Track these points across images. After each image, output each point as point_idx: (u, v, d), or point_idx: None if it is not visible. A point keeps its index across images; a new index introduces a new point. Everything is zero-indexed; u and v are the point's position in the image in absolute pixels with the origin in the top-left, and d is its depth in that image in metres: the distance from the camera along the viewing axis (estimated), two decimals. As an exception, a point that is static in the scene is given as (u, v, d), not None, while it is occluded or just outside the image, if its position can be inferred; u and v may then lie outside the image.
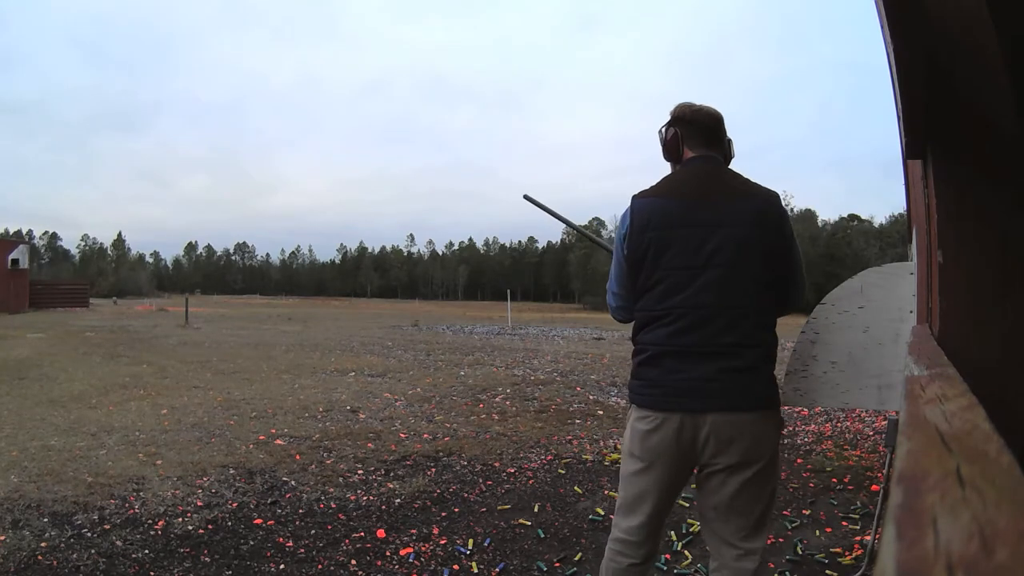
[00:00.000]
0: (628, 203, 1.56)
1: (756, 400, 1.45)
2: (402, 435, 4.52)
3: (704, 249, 1.45)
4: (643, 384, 1.51)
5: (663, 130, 1.64)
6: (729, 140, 1.67)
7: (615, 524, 1.60)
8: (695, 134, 1.59)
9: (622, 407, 5.78)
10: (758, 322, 1.47)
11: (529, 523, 2.89)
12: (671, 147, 1.62)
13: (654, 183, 1.60)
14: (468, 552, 2.56)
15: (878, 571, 0.31)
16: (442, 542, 2.67)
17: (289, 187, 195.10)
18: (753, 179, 1.57)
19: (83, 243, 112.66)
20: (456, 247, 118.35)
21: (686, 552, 2.54)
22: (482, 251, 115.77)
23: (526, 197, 2.22)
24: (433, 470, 3.70)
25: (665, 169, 1.68)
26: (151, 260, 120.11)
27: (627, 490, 1.57)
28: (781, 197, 1.54)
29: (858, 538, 2.71)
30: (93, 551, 2.47)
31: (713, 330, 1.43)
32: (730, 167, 1.63)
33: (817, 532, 2.79)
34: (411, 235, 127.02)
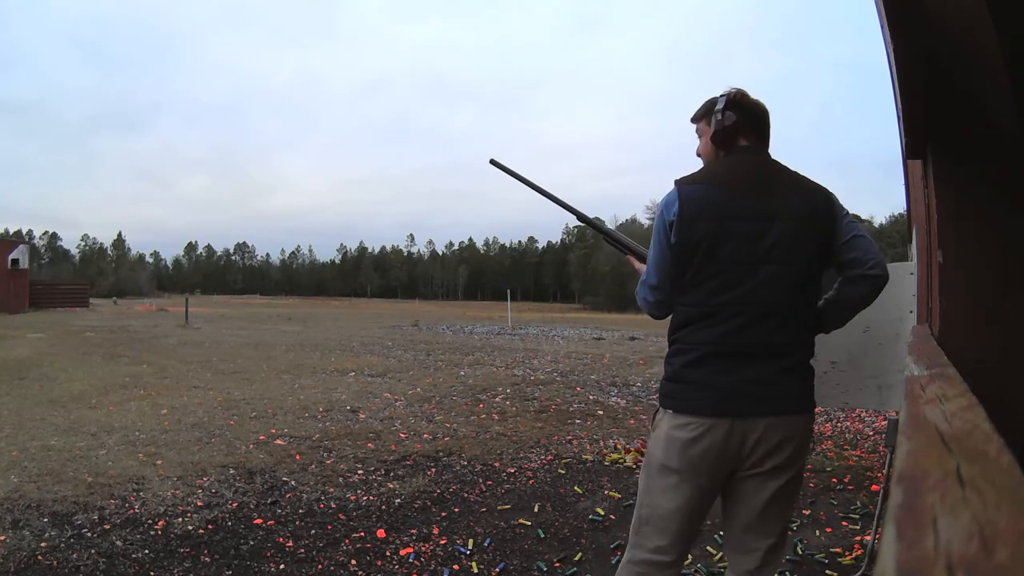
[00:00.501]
0: (672, 189, 1.44)
1: (806, 402, 1.42)
2: (402, 435, 4.52)
3: (762, 243, 1.37)
4: (687, 387, 1.39)
5: (721, 112, 1.48)
6: None
7: (637, 544, 1.47)
8: (753, 124, 1.49)
9: (622, 407, 5.78)
10: (806, 321, 1.43)
11: (529, 523, 2.89)
12: (729, 132, 1.48)
13: (698, 170, 1.51)
14: (468, 552, 2.56)
15: (878, 571, 0.31)
16: (442, 542, 2.67)
17: (289, 187, 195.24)
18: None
19: (83, 243, 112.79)
20: (456, 247, 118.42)
21: (687, 553, 2.54)
22: (482, 251, 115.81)
23: (492, 162, 2.04)
24: (433, 470, 3.69)
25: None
26: (151, 260, 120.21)
27: (656, 506, 1.44)
28: (835, 195, 1.47)
29: (858, 538, 2.71)
30: (93, 551, 2.47)
31: (768, 329, 1.36)
32: (781, 162, 1.54)
33: (817, 532, 2.79)
34: (411, 235, 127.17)
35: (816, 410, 1.49)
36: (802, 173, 1.50)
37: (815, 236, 1.41)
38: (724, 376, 1.36)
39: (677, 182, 1.47)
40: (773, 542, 1.44)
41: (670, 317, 1.50)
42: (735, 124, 1.48)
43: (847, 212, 1.46)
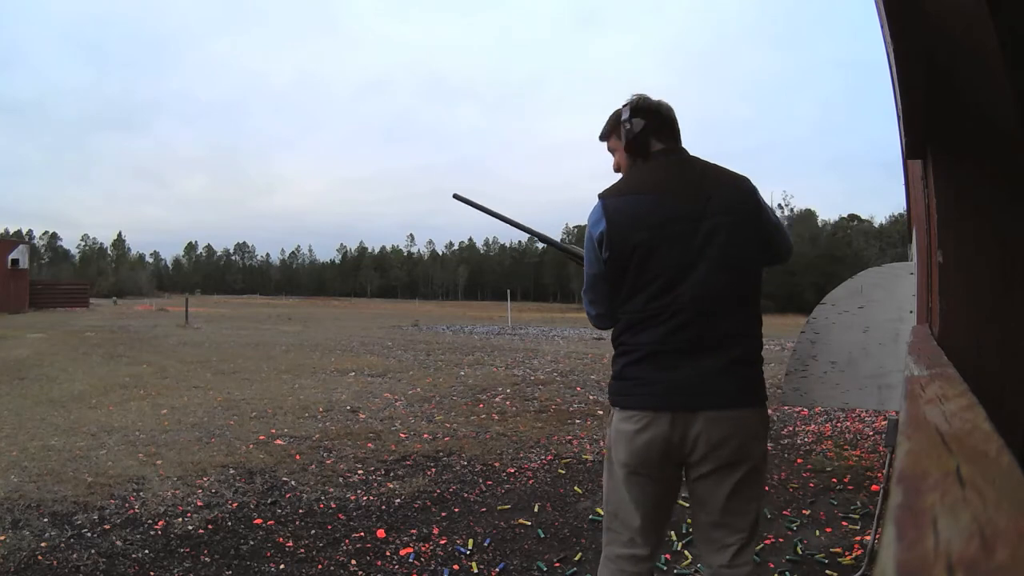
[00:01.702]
0: (597, 204, 1.46)
1: (751, 395, 1.41)
2: (402, 435, 4.52)
3: (694, 243, 1.39)
4: (630, 384, 1.43)
5: (629, 121, 1.50)
6: None
7: (610, 540, 1.51)
8: (662, 125, 1.51)
9: (622, 407, 5.78)
10: (748, 313, 1.44)
11: (529, 523, 2.89)
12: (641, 138, 1.50)
13: (619, 180, 1.53)
14: (468, 552, 2.56)
15: (878, 571, 0.31)
16: (442, 542, 2.67)
17: (289, 187, 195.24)
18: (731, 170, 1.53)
19: (83, 243, 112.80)
20: (456, 247, 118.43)
21: (686, 552, 2.54)
22: (482, 251, 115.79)
23: (456, 196, 2.08)
24: (433, 470, 3.69)
25: None
26: (151, 260, 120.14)
27: (619, 501, 1.48)
28: (752, 180, 1.50)
29: (858, 538, 2.71)
30: (93, 551, 2.47)
31: (707, 325, 1.38)
32: (698, 157, 1.56)
33: (817, 532, 2.79)
34: (411, 235, 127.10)
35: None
36: (720, 164, 1.52)
37: (745, 227, 1.43)
38: (664, 372, 1.39)
39: (601, 196, 1.49)
40: (742, 536, 1.43)
41: None
42: (645, 128, 1.50)
43: (767, 206, 1.51)
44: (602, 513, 1.59)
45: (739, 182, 1.47)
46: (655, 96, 1.56)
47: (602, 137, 1.61)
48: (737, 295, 1.42)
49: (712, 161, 1.53)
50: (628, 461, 1.43)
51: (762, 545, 2.60)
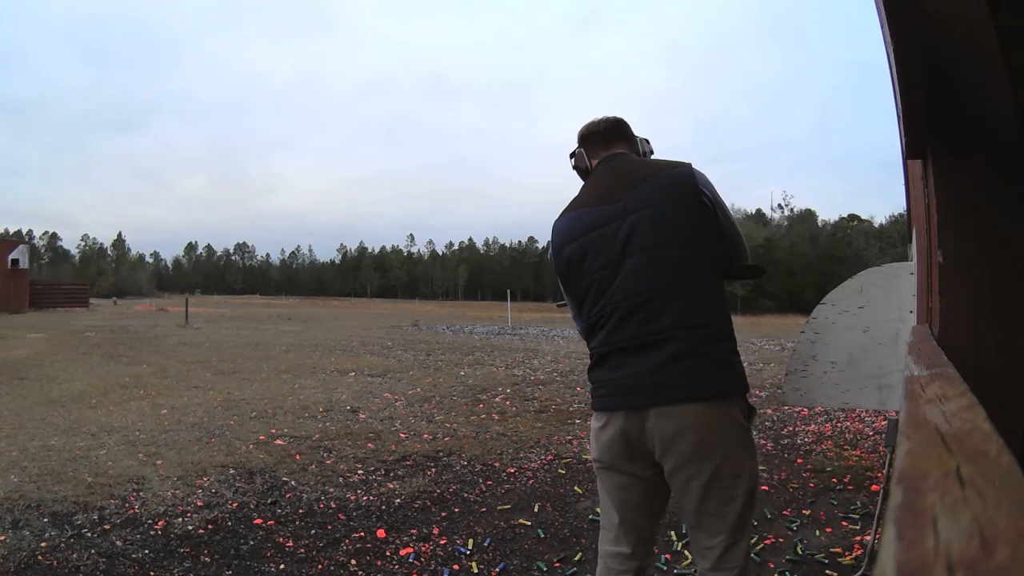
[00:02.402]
0: None
1: (699, 389, 1.33)
2: (402, 435, 4.52)
3: (617, 241, 1.41)
4: (593, 387, 1.49)
5: (572, 155, 1.65)
6: (642, 139, 1.65)
7: (600, 539, 1.56)
8: (593, 143, 1.60)
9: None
10: (694, 300, 1.37)
11: (529, 523, 2.89)
12: (580, 167, 1.63)
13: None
14: (468, 552, 2.56)
15: (878, 571, 0.31)
16: (442, 542, 2.67)
17: (289, 187, 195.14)
18: (669, 163, 1.50)
19: (83, 243, 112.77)
20: (456, 247, 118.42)
21: (686, 552, 2.54)
22: (482, 251, 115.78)
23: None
24: (433, 470, 3.69)
25: None
26: (151, 260, 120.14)
27: (601, 501, 1.53)
28: (693, 165, 1.46)
29: (858, 538, 2.71)
30: (93, 551, 2.47)
31: (643, 319, 1.36)
32: (639, 157, 1.60)
33: (817, 532, 2.79)
34: (411, 235, 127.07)
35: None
36: (663, 158, 1.53)
37: (671, 215, 1.39)
38: (614, 372, 1.41)
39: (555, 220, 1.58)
40: (723, 539, 1.36)
41: None
42: (580, 157, 1.62)
43: (709, 186, 1.44)
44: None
45: (670, 171, 1.44)
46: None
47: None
48: (673, 286, 1.37)
49: (662, 158, 1.56)
50: (598, 457, 1.48)
51: (762, 545, 2.60)
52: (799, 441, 4.51)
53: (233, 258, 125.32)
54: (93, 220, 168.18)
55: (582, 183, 1.62)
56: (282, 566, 2.40)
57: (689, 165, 1.46)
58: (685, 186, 1.41)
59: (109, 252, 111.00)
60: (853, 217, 74.88)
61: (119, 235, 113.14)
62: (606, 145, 1.59)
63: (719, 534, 1.37)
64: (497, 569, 2.42)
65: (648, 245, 1.38)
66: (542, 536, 2.74)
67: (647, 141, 1.67)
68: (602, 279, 1.42)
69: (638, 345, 1.37)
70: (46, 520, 2.77)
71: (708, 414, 1.33)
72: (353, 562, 2.45)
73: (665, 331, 1.35)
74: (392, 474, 3.61)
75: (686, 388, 1.33)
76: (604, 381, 1.44)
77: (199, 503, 3.04)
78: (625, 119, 1.64)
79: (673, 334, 1.34)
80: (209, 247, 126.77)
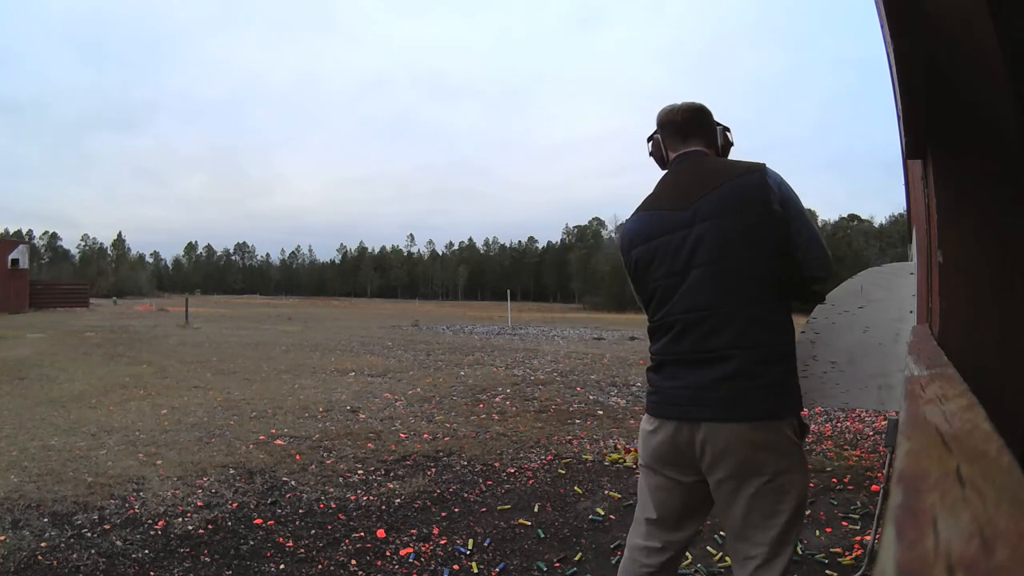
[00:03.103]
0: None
1: (751, 409, 1.32)
2: (402, 435, 4.52)
3: (683, 251, 1.40)
4: (649, 391, 1.51)
5: (648, 140, 1.63)
6: (723, 128, 1.58)
7: (630, 532, 1.58)
8: (671, 134, 1.56)
9: (622, 407, 5.78)
10: (753, 319, 1.35)
11: (529, 523, 2.89)
12: (656, 156, 1.61)
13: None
14: (468, 552, 2.56)
15: (878, 571, 0.31)
16: (442, 542, 2.67)
17: (288, 186, 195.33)
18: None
19: (83, 243, 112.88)
20: (456, 247, 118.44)
21: (686, 552, 2.54)
22: (482, 251, 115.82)
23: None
24: (433, 470, 3.69)
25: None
26: (151, 260, 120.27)
27: (639, 494, 1.56)
28: (767, 167, 1.40)
29: (858, 538, 2.71)
30: (93, 551, 2.47)
31: (702, 334, 1.36)
32: (715, 156, 1.55)
33: (817, 532, 2.79)
34: (411, 235, 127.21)
35: (803, 410, 1.44)
36: (739, 160, 1.48)
37: (739, 228, 1.36)
38: (670, 381, 1.43)
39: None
40: (763, 551, 1.37)
41: None
42: (657, 145, 1.59)
43: (783, 195, 1.38)
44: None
45: (742, 179, 1.39)
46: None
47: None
48: (735, 303, 1.35)
49: (730, 159, 1.54)
50: (646, 461, 1.51)
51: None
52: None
53: (233, 258, 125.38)
54: (93, 220, 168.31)
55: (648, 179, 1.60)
56: (282, 566, 2.40)
57: (762, 169, 1.40)
58: (756, 197, 1.37)
59: (109, 252, 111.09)
60: (853, 217, 74.93)
61: (119, 235, 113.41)
62: (684, 138, 1.55)
63: (760, 545, 1.38)
64: (497, 569, 2.42)
65: (713, 259, 1.37)
66: (542, 536, 2.74)
67: (728, 131, 1.59)
68: (666, 287, 1.44)
69: (695, 360, 1.39)
70: (46, 520, 2.77)
71: (758, 434, 1.33)
72: (353, 562, 2.45)
73: (722, 349, 1.35)
74: (392, 474, 3.61)
75: (738, 408, 1.33)
76: (659, 388, 1.47)
77: (199, 503, 3.04)
78: (706, 107, 1.57)
79: (731, 353, 1.34)
80: (209, 247, 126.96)
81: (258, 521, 2.84)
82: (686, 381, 1.39)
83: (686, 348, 1.40)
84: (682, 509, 1.50)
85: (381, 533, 2.73)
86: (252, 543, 2.61)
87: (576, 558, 2.52)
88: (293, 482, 3.40)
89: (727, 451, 1.34)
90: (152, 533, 2.66)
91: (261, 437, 4.35)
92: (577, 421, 5.14)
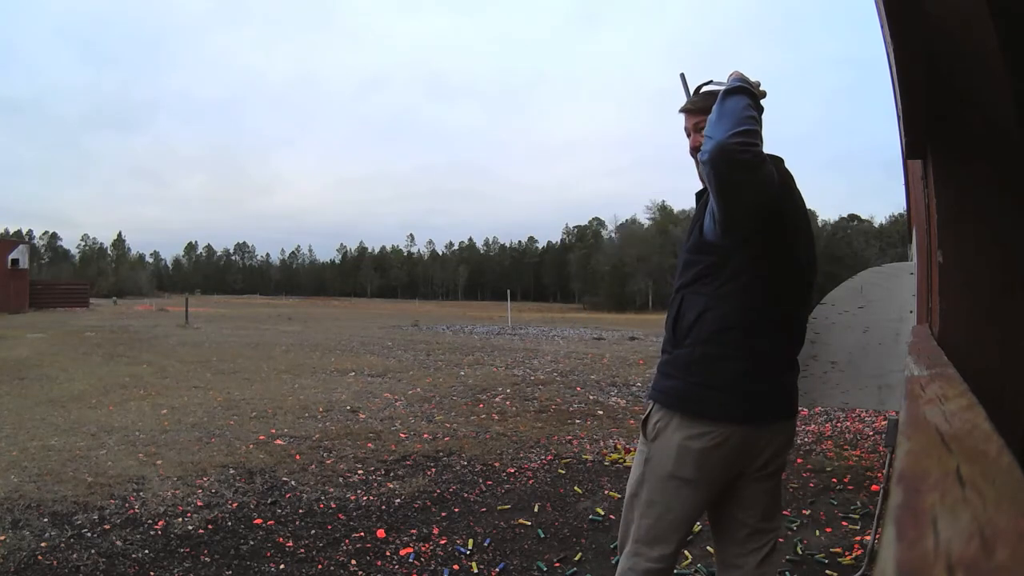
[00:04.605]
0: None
1: (797, 403, 1.50)
2: (402, 435, 4.52)
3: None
4: (706, 391, 1.36)
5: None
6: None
7: (637, 552, 1.43)
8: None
9: (622, 407, 5.78)
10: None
11: (529, 523, 2.89)
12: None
13: None
14: (468, 552, 2.56)
15: (878, 571, 0.31)
16: (442, 542, 2.67)
17: (288, 186, 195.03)
18: None
19: (83, 243, 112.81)
20: (456, 247, 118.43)
21: (686, 552, 2.54)
22: (482, 251, 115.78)
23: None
24: (433, 470, 3.69)
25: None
26: (151, 260, 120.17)
27: (663, 516, 1.40)
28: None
29: (858, 538, 2.71)
30: (93, 551, 2.47)
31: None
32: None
33: (817, 532, 2.79)
34: (411, 235, 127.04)
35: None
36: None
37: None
38: (761, 384, 1.49)
39: None
40: (775, 527, 1.50)
41: None
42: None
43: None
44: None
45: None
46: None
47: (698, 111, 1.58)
48: (805, 311, 1.57)
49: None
50: (694, 477, 1.41)
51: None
52: (799, 441, 4.50)
53: (233, 258, 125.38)
54: (93, 220, 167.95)
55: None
56: (282, 566, 2.40)
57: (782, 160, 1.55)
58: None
59: (109, 252, 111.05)
60: (853, 217, 74.95)
61: (119, 235, 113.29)
62: None
63: (778, 519, 1.52)
64: (497, 569, 2.42)
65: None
66: (542, 536, 2.74)
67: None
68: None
69: (771, 358, 1.45)
70: (46, 520, 2.77)
71: (795, 424, 1.55)
72: (353, 562, 2.45)
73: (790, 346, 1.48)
74: (392, 474, 3.61)
75: (795, 402, 1.48)
76: (748, 392, 1.38)
77: (199, 503, 3.04)
78: None
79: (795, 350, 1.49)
80: (209, 247, 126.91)
81: (258, 521, 2.84)
82: (781, 380, 1.44)
83: (764, 347, 1.41)
84: (697, 519, 1.53)
85: (381, 533, 2.73)
86: (252, 543, 2.61)
87: (576, 558, 2.52)
88: (293, 482, 3.40)
89: (784, 445, 1.46)
90: (152, 533, 2.66)
91: (261, 437, 4.35)
92: (577, 421, 5.14)
